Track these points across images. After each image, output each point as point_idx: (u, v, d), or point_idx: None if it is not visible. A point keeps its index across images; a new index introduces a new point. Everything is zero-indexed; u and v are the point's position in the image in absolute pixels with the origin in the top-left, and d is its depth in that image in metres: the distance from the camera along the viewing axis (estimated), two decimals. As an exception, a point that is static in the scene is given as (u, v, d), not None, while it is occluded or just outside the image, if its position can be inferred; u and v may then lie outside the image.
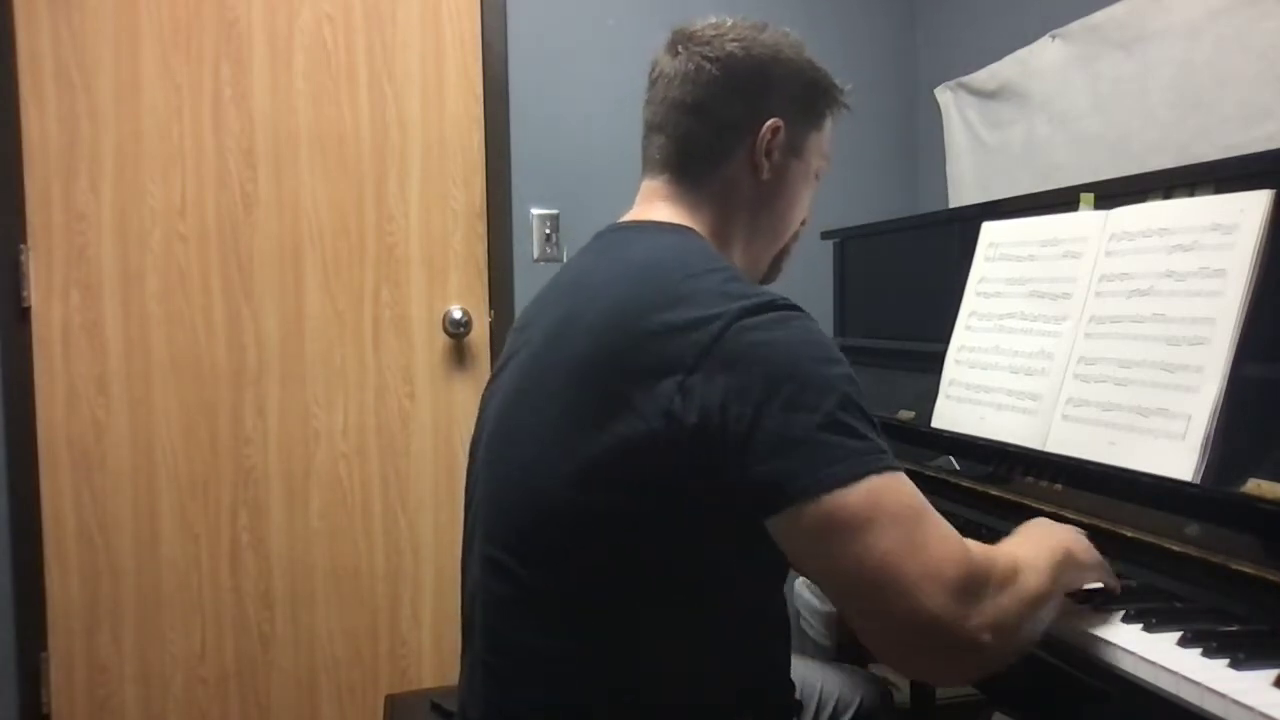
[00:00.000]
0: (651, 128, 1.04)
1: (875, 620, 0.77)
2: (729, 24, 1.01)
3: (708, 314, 0.83)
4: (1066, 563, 0.90)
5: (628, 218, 1.04)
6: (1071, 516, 1.15)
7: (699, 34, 1.00)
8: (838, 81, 1.07)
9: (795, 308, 0.86)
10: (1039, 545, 0.90)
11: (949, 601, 0.74)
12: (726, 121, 0.99)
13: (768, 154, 1.00)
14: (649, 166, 1.04)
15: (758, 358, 0.80)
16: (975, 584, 0.77)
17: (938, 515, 0.80)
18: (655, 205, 1.02)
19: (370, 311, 2.27)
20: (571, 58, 2.38)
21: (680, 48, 1.01)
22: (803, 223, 1.11)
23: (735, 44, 0.99)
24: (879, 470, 0.78)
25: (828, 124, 1.08)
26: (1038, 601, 0.83)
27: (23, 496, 2.07)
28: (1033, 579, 0.83)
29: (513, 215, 2.35)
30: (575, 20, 2.39)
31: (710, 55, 0.98)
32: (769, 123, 0.99)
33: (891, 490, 0.78)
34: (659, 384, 0.82)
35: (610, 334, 0.87)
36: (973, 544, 0.80)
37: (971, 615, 0.75)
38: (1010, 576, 0.81)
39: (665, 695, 0.90)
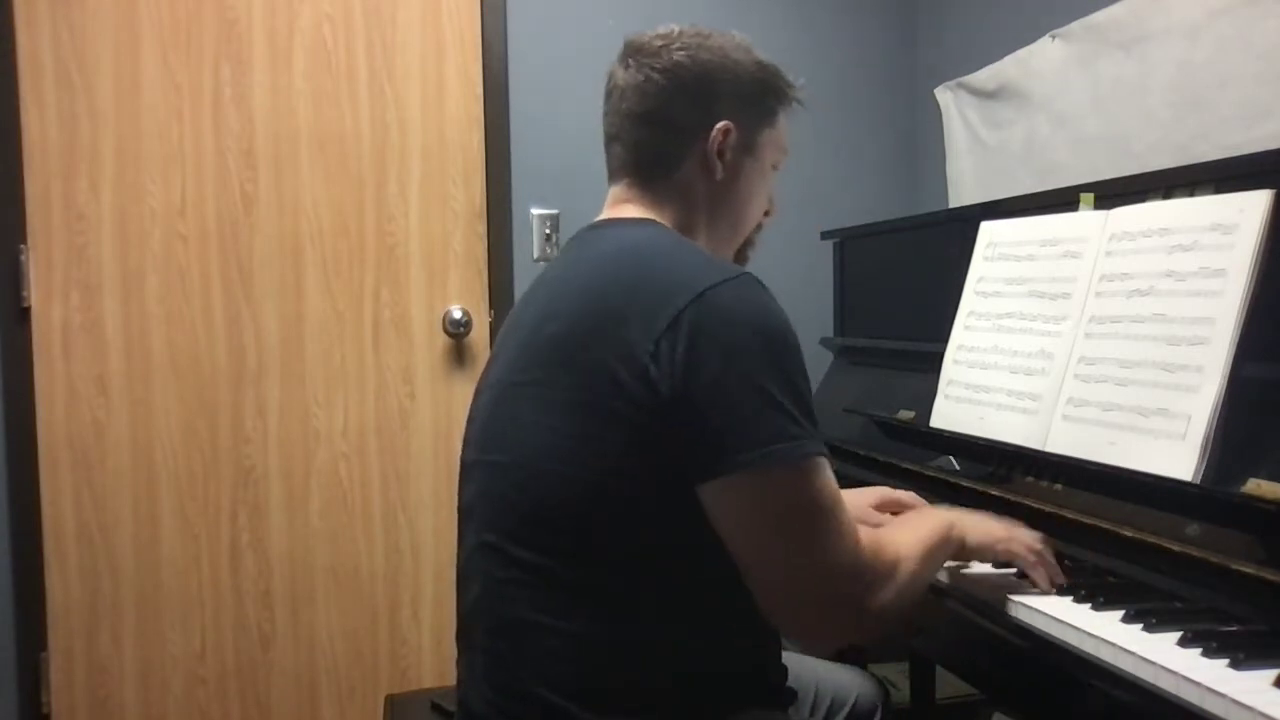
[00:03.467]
0: (610, 138, 1.09)
1: (776, 588, 0.88)
2: (676, 32, 1.06)
3: (677, 284, 0.89)
4: (941, 545, 1.01)
5: (596, 220, 1.09)
6: (1071, 516, 1.15)
7: (648, 45, 1.05)
8: (789, 77, 1.11)
9: (759, 284, 0.92)
10: (917, 532, 0.99)
11: (843, 585, 0.87)
12: (677, 126, 1.04)
13: (720, 155, 1.05)
14: (612, 175, 1.10)
15: (719, 331, 0.87)
16: (866, 573, 0.89)
17: (845, 506, 0.90)
18: (621, 207, 1.07)
19: (370, 311, 2.27)
20: (571, 58, 2.38)
21: (631, 60, 1.06)
22: (766, 214, 1.15)
23: (681, 53, 1.03)
24: (814, 455, 0.87)
25: (780, 119, 1.12)
26: (908, 589, 0.93)
27: (23, 496, 2.07)
28: (907, 568, 0.93)
29: (513, 215, 2.35)
30: (575, 20, 2.39)
31: (658, 66, 1.03)
32: (719, 125, 1.04)
33: (820, 477, 0.88)
34: (635, 352, 0.87)
35: (587, 313, 0.93)
36: (864, 535, 0.91)
37: (856, 598, 0.88)
38: (891, 567, 0.91)
39: (664, 669, 0.93)
